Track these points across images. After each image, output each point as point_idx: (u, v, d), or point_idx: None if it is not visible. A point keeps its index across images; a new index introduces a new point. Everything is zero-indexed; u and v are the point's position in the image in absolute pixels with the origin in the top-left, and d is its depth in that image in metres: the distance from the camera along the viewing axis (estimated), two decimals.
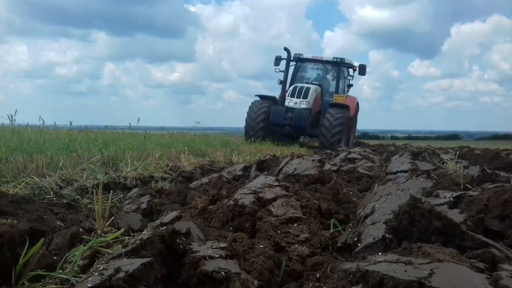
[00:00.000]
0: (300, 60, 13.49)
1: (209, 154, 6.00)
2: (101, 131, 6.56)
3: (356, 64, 13.53)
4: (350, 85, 14.15)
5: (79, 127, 6.23)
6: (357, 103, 14.04)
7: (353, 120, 13.40)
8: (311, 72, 13.99)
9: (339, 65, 13.16)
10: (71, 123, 5.87)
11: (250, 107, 12.43)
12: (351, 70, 13.81)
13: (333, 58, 13.08)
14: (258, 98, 12.82)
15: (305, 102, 11.96)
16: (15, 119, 4.63)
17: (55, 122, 5.96)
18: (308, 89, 12.18)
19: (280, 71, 13.04)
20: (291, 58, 13.18)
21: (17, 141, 4.05)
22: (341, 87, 13.23)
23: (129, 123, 6.40)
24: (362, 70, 13.26)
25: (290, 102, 12.10)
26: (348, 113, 12.08)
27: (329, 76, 13.72)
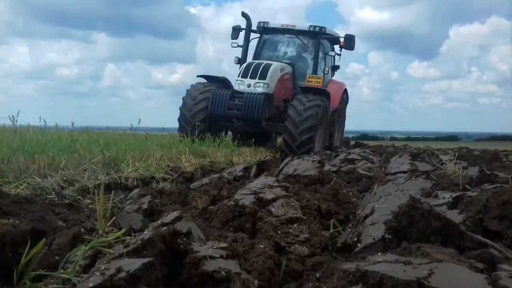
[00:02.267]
0: (265, 30, 9.46)
1: (210, 155, 6.01)
2: (102, 132, 6.57)
3: (342, 36, 9.70)
4: (336, 67, 10.40)
5: (81, 128, 6.23)
6: (345, 90, 10.37)
7: (338, 114, 9.83)
8: (281, 47, 9.90)
9: (318, 37, 9.21)
10: (73, 124, 5.89)
11: (187, 92, 8.34)
12: (336, 47, 10.00)
13: (310, 26, 9.12)
14: (202, 80, 8.69)
15: (262, 84, 8.06)
16: (16, 120, 4.64)
17: (56, 123, 5.98)
18: (267, 66, 8.24)
19: (238, 45, 9.35)
20: (254, 28, 9.36)
21: (19, 142, 4.06)
22: (322, 67, 9.43)
23: (131, 124, 6.42)
24: (350, 43, 9.48)
25: (240, 84, 8.26)
26: (326, 102, 8.36)
27: (306, 54, 9.81)
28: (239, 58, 9.40)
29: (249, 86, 8.13)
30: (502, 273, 1.02)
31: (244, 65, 8.60)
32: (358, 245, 1.56)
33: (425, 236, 1.35)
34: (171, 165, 4.57)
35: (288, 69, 8.90)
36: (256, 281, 1.27)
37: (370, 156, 5.83)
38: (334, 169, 3.63)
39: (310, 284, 1.24)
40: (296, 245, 1.63)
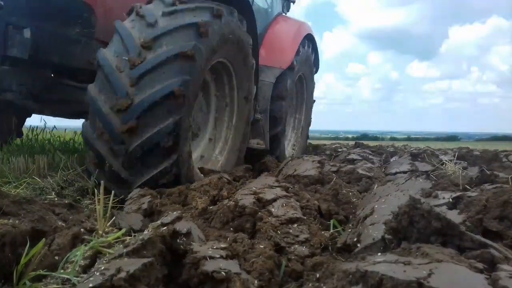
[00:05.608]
0: None
1: None
2: None
3: None
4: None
5: (80, 128, 6.21)
6: (309, 38, 5.92)
7: (290, 88, 5.32)
8: None
9: None
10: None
11: None
12: None
13: None
14: None
15: None
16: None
17: (54, 126, 5.97)
18: None
19: None
20: None
21: (19, 142, 4.06)
22: None
23: None
24: None
25: None
26: (237, 30, 3.38)
27: None
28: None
29: None
30: (502, 273, 1.02)
31: None
32: (358, 245, 1.56)
33: (425, 236, 1.35)
34: None
35: None
36: (256, 281, 1.27)
37: (370, 156, 5.84)
38: (334, 169, 3.63)
39: (310, 284, 1.24)
40: (296, 245, 1.63)
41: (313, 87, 6.74)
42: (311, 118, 6.84)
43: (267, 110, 4.89)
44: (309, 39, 6.02)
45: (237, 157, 3.99)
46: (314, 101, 6.92)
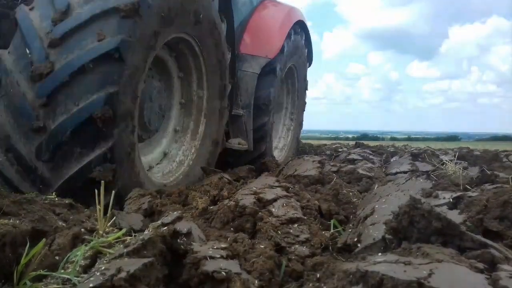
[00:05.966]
0: None
1: None
2: None
3: None
4: None
5: None
6: (301, 24, 5.23)
7: (275, 85, 4.54)
8: None
9: None
10: None
11: None
12: None
13: None
14: None
15: None
16: None
17: None
18: None
19: None
20: None
21: None
22: None
23: None
24: None
25: None
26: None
27: None
28: None
29: None
30: (503, 274, 1.02)
31: None
32: (359, 245, 1.56)
33: (425, 236, 1.35)
34: None
35: None
36: (256, 281, 1.27)
37: (371, 156, 5.84)
38: (335, 169, 3.63)
39: (311, 284, 1.24)
40: (297, 245, 1.63)
41: (306, 84, 5.83)
42: (302, 120, 6.00)
43: (251, 105, 4.24)
44: (301, 27, 5.29)
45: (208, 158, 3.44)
46: (304, 103, 5.95)
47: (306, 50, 5.62)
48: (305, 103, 6.01)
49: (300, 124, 5.98)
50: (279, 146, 5.59)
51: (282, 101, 5.53)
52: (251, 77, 4.28)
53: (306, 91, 5.91)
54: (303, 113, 6.00)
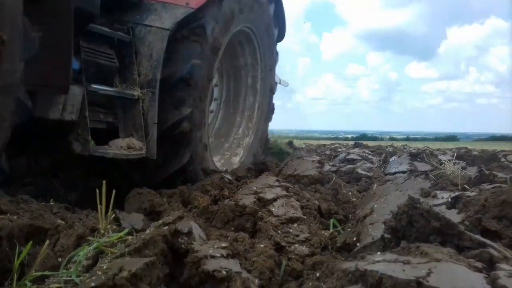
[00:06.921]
0: None
1: None
2: None
3: None
4: None
5: None
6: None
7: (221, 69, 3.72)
8: None
9: None
10: None
11: None
12: None
13: None
14: None
15: None
16: None
17: None
18: None
19: None
20: None
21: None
22: None
23: None
24: None
25: None
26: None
27: None
28: None
29: None
30: (501, 273, 1.02)
31: None
32: (358, 244, 1.57)
33: (424, 235, 1.36)
34: None
35: None
36: (256, 280, 1.27)
37: (370, 156, 5.85)
38: (334, 169, 3.65)
39: (310, 283, 1.25)
40: (296, 245, 1.64)
41: (274, 59, 4.18)
42: (273, 106, 4.41)
43: (155, 82, 2.70)
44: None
45: None
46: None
47: (273, 7, 3.93)
48: (275, 86, 4.40)
49: (266, 116, 4.33)
50: (231, 149, 4.09)
51: (238, 84, 3.91)
52: (158, 35, 2.75)
53: (275, 70, 4.19)
54: (271, 100, 4.36)
